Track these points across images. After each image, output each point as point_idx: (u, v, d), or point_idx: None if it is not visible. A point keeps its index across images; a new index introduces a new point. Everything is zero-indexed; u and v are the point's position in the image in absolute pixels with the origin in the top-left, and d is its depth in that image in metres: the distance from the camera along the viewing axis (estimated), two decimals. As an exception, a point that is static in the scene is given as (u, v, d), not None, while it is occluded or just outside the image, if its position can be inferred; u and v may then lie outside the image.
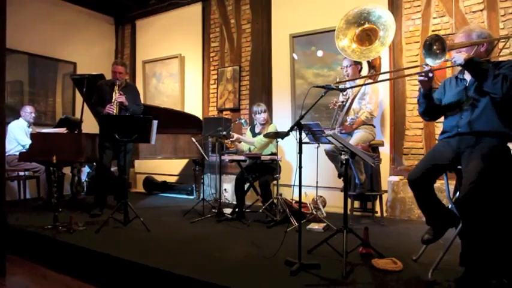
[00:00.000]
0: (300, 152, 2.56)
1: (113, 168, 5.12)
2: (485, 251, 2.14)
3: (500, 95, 2.17)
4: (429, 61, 2.29)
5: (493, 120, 2.27)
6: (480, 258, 2.15)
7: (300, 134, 2.59)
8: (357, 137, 3.92)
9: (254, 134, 4.49)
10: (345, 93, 3.96)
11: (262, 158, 4.20)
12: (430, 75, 2.43)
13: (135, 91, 4.72)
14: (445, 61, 2.31)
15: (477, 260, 2.16)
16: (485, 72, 2.21)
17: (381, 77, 4.17)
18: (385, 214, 4.17)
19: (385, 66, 4.52)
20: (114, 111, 4.22)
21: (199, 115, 6.08)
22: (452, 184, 2.60)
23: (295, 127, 2.58)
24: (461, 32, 2.44)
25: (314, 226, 3.70)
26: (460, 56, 2.27)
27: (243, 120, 4.56)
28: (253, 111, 4.56)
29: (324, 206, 4.41)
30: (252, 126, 4.65)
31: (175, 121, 5.45)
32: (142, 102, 6.42)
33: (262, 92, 5.61)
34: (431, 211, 2.45)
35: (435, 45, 2.25)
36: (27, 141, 5.18)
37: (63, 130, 5.00)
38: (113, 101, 4.25)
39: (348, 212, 3.18)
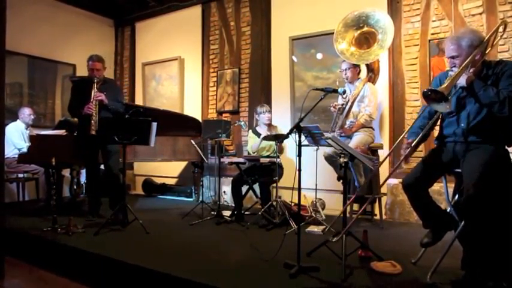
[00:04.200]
0: (299, 155, 2.56)
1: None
2: (486, 254, 2.15)
3: (508, 115, 2.18)
4: (439, 108, 2.26)
5: (492, 129, 2.27)
6: (481, 261, 2.15)
7: (299, 137, 2.59)
8: (357, 140, 3.93)
9: (258, 135, 4.47)
10: (344, 96, 3.97)
11: (261, 160, 4.20)
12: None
13: (115, 87, 4.47)
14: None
15: (478, 263, 2.16)
16: (488, 99, 2.19)
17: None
18: (384, 217, 4.17)
19: (384, 69, 4.53)
20: (94, 111, 3.97)
21: (199, 117, 6.07)
22: (451, 187, 2.60)
23: (295, 129, 2.58)
24: (451, 43, 2.35)
25: (313, 229, 3.70)
26: (462, 79, 2.26)
27: (242, 123, 4.56)
28: (257, 112, 4.55)
29: (323, 209, 4.41)
30: (254, 128, 4.64)
31: (175, 123, 5.45)
32: (141, 104, 6.47)
33: (262, 94, 5.61)
34: (427, 215, 2.46)
35: (433, 95, 2.22)
36: (23, 145, 5.18)
37: (62, 132, 4.99)
38: (91, 100, 3.98)
39: (347, 215, 3.18)
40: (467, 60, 2.27)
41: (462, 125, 2.36)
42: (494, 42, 2.54)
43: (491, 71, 2.32)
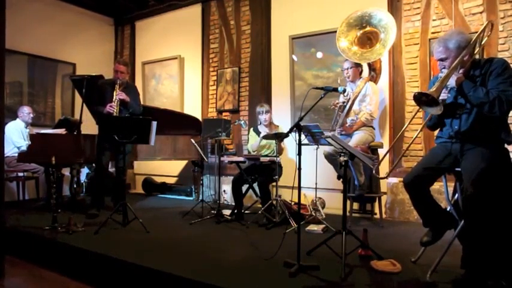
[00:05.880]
0: (299, 154, 2.56)
1: (111, 169, 5.12)
2: (486, 253, 2.15)
3: (499, 115, 2.18)
4: (431, 111, 2.29)
5: (487, 128, 2.27)
6: (481, 259, 2.15)
7: (299, 136, 2.59)
8: (357, 139, 3.92)
9: (259, 135, 4.47)
10: (345, 94, 3.96)
11: (262, 159, 4.19)
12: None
13: (136, 92, 4.69)
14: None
15: (478, 262, 2.16)
16: (478, 100, 2.20)
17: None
18: (384, 216, 4.17)
19: (384, 68, 4.53)
20: (115, 110, 4.18)
21: (199, 116, 6.07)
22: (451, 186, 2.60)
23: (295, 128, 2.58)
24: (439, 46, 2.37)
25: (313, 228, 3.70)
26: (452, 81, 2.28)
27: (242, 122, 4.55)
28: (256, 112, 4.55)
29: (323, 208, 4.41)
30: (255, 127, 4.63)
31: (175, 122, 5.45)
32: (141, 103, 6.46)
33: (262, 93, 5.61)
34: (428, 213, 2.46)
35: (424, 98, 2.24)
36: (23, 143, 5.19)
37: (62, 131, 4.99)
38: (113, 99, 4.21)
39: (347, 214, 3.18)
40: (456, 61, 2.29)
41: (456, 126, 2.38)
42: (483, 42, 2.56)
43: (479, 70, 2.33)
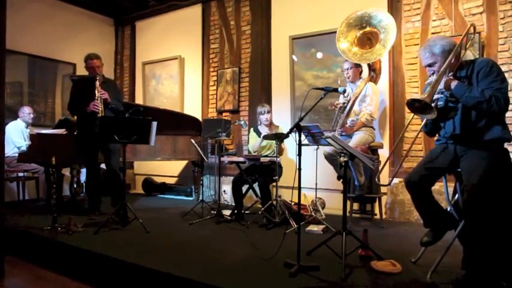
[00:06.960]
0: (299, 154, 2.56)
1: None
2: (487, 253, 2.15)
3: (498, 111, 2.20)
4: (425, 116, 2.34)
5: (481, 128, 2.28)
6: (482, 260, 2.15)
7: (299, 136, 2.59)
8: (357, 139, 3.92)
9: (259, 135, 4.47)
10: (345, 94, 3.96)
11: (262, 159, 4.19)
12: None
13: (115, 86, 4.53)
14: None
15: (478, 262, 2.17)
16: (475, 100, 2.21)
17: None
18: (384, 216, 4.18)
19: (384, 68, 4.53)
20: (100, 108, 4.00)
21: (199, 117, 6.08)
22: (451, 187, 2.60)
23: (295, 129, 2.58)
24: (425, 52, 2.41)
25: (313, 228, 3.70)
26: (443, 84, 2.31)
27: (242, 122, 4.55)
28: (257, 112, 4.55)
29: (323, 208, 4.41)
30: (255, 127, 4.63)
31: (175, 122, 5.45)
32: (142, 103, 6.49)
33: (262, 93, 5.61)
34: (429, 214, 2.46)
35: (416, 104, 2.27)
36: (23, 143, 5.19)
37: (62, 131, 5.00)
38: (96, 98, 4.00)
39: (347, 214, 3.18)
40: (444, 65, 2.32)
41: (450, 129, 2.39)
42: (468, 45, 2.59)
43: (465, 71, 2.36)
